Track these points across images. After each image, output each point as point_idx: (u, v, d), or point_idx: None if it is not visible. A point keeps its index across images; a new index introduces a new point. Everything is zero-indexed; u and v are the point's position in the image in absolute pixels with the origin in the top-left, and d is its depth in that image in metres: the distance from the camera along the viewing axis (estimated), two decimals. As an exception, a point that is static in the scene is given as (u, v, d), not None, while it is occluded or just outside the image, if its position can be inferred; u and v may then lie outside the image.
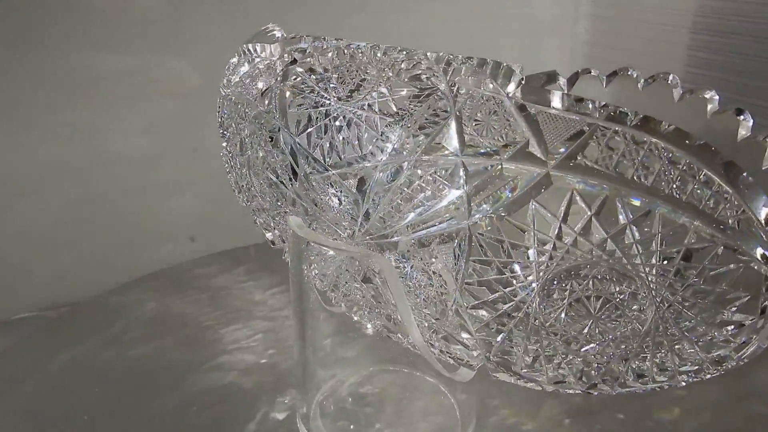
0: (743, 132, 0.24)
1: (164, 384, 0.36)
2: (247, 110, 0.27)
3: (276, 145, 0.25)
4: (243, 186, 0.30)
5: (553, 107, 0.21)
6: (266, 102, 0.26)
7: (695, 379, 0.26)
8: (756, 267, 0.22)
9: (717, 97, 0.25)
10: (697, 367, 0.25)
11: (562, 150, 0.22)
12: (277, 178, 0.26)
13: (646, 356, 0.24)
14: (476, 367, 0.28)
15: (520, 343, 0.25)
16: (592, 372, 0.25)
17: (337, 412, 0.33)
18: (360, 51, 0.24)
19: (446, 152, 0.22)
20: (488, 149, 0.23)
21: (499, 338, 0.25)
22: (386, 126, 0.23)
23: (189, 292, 0.46)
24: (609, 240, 0.22)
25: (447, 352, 0.27)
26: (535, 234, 0.23)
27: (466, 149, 0.22)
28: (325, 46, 0.24)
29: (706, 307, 0.23)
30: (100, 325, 0.42)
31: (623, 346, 0.24)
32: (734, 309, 0.23)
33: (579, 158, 0.22)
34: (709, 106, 0.25)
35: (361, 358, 0.35)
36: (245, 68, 0.28)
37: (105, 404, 0.34)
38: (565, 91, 0.22)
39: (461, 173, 0.22)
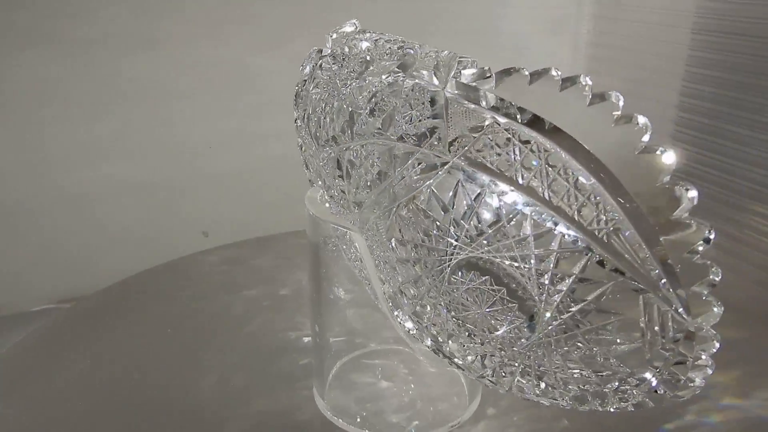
0: (641, 143, 0.24)
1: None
2: (301, 92, 0.29)
3: (305, 122, 0.28)
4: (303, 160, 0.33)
5: (469, 102, 0.22)
6: (304, 83, 0.28)
7: (602, 406, 0.25)
8: (638, 290, 0.22)
9: (621, 104, 0.24)
10: (592, 388, 0.25)
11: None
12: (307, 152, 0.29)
13: (538, 364, 0.25)
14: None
15: (443, 330, 0.26)
16: (490, 371, 0.26)
17: (351, 383, 0.34)
18: (376, 42, 0.26)
19: (385, 137, 0.24)
20: (414, 136, 0.24)
21: (426, 315, 0.26)
22: (353, 108, 0.25)
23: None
24: (489, 235, 0.23)
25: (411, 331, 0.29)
26: (434, 220, 0.24)
27: (398, 137, 0.24)
28: (359, 38, 0.26)
29: (580, 321, 0.23)
30: (133, 304, 0.43)
31: (515, 348, 0.24)
32: (609, 327, 0.23)
33: (470, 151, 0.22)
34: (614, 113, 0.24)
35: (376, 334, 0.36)
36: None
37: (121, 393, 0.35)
38: (493, 88, 0.23)
39: (389, 158, 0.24)
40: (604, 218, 0.22)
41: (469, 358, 0.26)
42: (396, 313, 0.28)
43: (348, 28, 0.29)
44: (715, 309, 0.23)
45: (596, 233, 0.22)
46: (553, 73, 0.23)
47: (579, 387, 0.25)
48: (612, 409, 0.25)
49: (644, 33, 0.64)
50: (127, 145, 0.55)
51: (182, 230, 0.58)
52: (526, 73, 0.23)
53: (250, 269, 0.49)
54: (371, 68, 0.25)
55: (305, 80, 0.29)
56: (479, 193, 0.23)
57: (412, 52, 0.25)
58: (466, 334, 0.26)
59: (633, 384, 0.24)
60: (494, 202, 0.22)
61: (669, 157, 0.23)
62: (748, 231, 0.56)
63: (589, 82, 0.24)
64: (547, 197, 0.22)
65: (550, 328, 0.23)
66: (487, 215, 0.23)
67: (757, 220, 0.56)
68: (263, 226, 0.58)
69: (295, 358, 0.37)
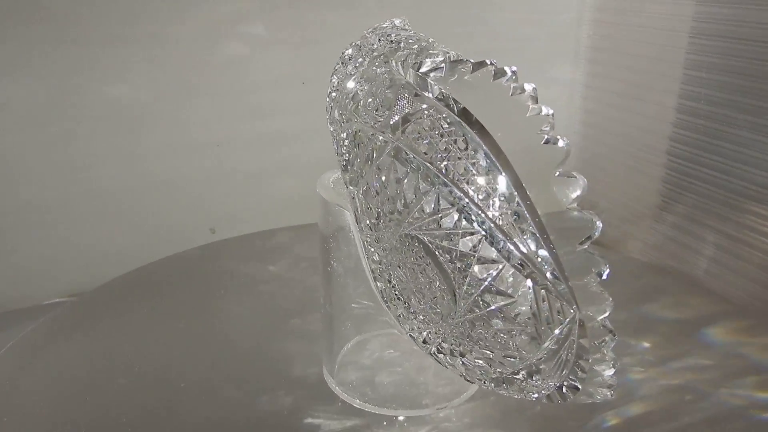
0: (543, 135, 0.25)
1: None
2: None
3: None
4: None
5: (421, 92, 0.24)
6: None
7: (522, 393, 0.27)
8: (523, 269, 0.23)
9: (533, 95, 0.25)
10: (506, 373, 0.26)
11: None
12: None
13: (459, 343, 0.26)
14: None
15: (395, 304, 0.28)
16: (431, 347, 0.28)
17: (360, 365, 0.36)
18: (388, 37, 0.27)
19: (363, 121, 0.26)
20: (377, 120, 0.26)
21: (381, 286, 0.28)
22: (343, 93, 0.28)
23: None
24: (414, 213, 0.24)
25: None
26: (379, 198, 0.26)
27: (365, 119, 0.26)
28: (380, 33, 0.28)
29: (482, 301, 0.24)
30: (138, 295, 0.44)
31: (446, 325, 0.26)
32: (508, 309, 0.24)
33: (403, 133, 0.24)
34: (528, 104, 0.25)
35: (385, 321, 0.37)
36: None
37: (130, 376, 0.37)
38: (442, 77, 0.25)
39: (355, 138, 0.27)
40: (498, 203, 0.23)
41: (423, 334, 0.28)
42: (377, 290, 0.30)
43: (386, 24, 0.31)
44: (607, 302, 0.24)
45: (491, 216, 0.23)
46: (488, 63, 0.25)
47: (496, 371, 0.26)
48: (544, 399, 0.26)
49: (643, 37, 0.65)
50: (136, 143, 0.57)
51: (190, 227, 0.60)
52: (470, 64, 0.24)
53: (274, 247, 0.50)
54: (367, 59, 0.27)
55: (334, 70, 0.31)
56: (406, 172, 0.24)
57: (402, 45, 0.26)
58: (404, 307, 0.27)
59: (542, 374, 0.25)
60: (415, 182, 0.24)
61: (564, 148, 0.24)
62: (747, 231, 0.57)
63: (514, 69, 0.25)
64: (454, 179, 0.23)
65: (463, 306, 0.25)
66: (409, 194, 0.25)
67: (755, 221, 0.56)
68: (271, 223, 0.59)
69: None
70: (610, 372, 0.25)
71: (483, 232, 0.23)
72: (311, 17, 0.59)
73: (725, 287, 0.59)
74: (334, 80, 0.29)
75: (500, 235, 0.23)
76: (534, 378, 0.26)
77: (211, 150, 0.59)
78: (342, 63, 0.28)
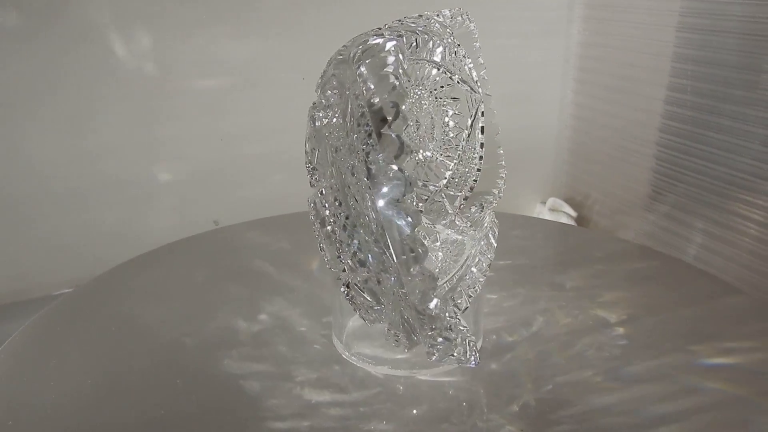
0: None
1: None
2: None
3: None
4: None
5: (353, 65, 0.28)
6: None
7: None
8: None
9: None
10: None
11: None
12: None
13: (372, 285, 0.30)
14: None
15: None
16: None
17: (365, 330, 0.37)
18: (401, 22, 0.30)
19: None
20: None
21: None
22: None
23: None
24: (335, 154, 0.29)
25: None
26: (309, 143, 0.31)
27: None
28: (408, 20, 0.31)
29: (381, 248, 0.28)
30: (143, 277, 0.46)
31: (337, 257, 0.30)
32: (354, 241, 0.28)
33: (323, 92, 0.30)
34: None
35: None
36: None
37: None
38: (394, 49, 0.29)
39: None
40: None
41: (340, 274, 0.31)
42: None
43: (425, 13, 0.33)
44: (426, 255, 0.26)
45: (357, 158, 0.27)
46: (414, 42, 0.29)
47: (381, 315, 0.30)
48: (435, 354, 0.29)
49: (632, 32, 0.67)
50: (143, 141, 0.58)
51: (194, 220, 0.61)
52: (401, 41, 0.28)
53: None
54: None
55: None
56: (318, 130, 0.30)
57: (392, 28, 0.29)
58: (328, 242, 0.31)
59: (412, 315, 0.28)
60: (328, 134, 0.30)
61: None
62: (735, 218, 0.59)
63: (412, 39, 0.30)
64: (350, 127, 0.27)
65: (343, 240, 0.29)
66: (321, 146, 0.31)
67: (743, 207, 0.58)
68: (273, 212, 0.60)
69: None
70: (452, 331, 0.28)
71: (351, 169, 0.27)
72: (319, 17, 0.60)
73: (718, 274, 0.60)
74: None
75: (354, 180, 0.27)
76: (406, 321, 0.29)
77: (215, 143, 0.61)
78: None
